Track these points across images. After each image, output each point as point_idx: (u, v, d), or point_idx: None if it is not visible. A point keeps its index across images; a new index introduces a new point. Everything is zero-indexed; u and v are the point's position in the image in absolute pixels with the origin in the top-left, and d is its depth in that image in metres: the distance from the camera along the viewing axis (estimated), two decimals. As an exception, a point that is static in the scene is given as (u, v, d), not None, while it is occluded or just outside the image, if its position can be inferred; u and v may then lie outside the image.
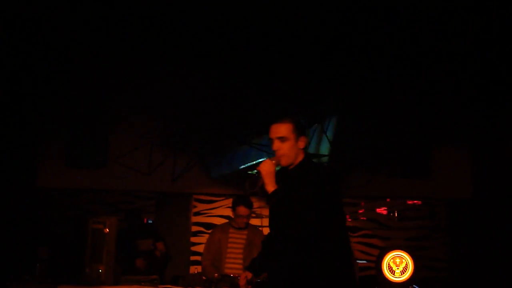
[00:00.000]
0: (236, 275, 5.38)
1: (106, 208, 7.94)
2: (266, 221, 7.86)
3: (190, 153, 7.71)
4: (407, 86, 7.45)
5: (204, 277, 5.73)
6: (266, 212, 7.93)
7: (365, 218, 8.18)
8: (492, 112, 7.63)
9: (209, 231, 7.39)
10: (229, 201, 7.30)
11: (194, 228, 8.03)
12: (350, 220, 8.02)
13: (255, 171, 3.79)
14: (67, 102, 7.58)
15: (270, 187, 3.75)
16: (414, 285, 5.82)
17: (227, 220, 7.09)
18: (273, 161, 3.81)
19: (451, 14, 6.34)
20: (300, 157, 3.87)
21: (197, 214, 8.07)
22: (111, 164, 7.68)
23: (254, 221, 7.00)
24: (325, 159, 7.66)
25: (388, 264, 6.05)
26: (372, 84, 7.43)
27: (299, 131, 3.86)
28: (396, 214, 8.14)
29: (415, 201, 8.23)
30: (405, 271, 6.00)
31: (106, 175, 7.75)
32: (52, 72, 7.46)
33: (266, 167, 3.78)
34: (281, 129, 3.85)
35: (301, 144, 3.86)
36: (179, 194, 7.98)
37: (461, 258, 7.79)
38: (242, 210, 6.20)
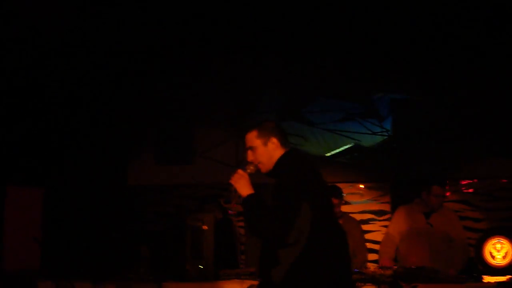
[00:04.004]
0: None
1: (196, 202, 8.07)
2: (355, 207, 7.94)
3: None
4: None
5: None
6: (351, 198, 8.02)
7: (453, 200, 8.02)
8: None
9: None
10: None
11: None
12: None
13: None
14: (153, 103, 7.78)
15: (244, 192, 3.69)
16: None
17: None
18: (247, 171, 3.76)
19: None
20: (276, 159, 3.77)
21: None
22: (198, 159, 7.85)
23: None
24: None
25: (489, 250, 5.96)
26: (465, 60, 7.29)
27: (265, 134, 3.77)
28: (487, 195, 7.95)
29: (505, 180, 8.01)
30: (505, 257, 5.90)
31: (194, 170, 7.93)
32: (138, 73, 7.65)
33: (236, 177, 3.72)
34: (248, 140, 3.81)
35: (272, 146, 3.76)
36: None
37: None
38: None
